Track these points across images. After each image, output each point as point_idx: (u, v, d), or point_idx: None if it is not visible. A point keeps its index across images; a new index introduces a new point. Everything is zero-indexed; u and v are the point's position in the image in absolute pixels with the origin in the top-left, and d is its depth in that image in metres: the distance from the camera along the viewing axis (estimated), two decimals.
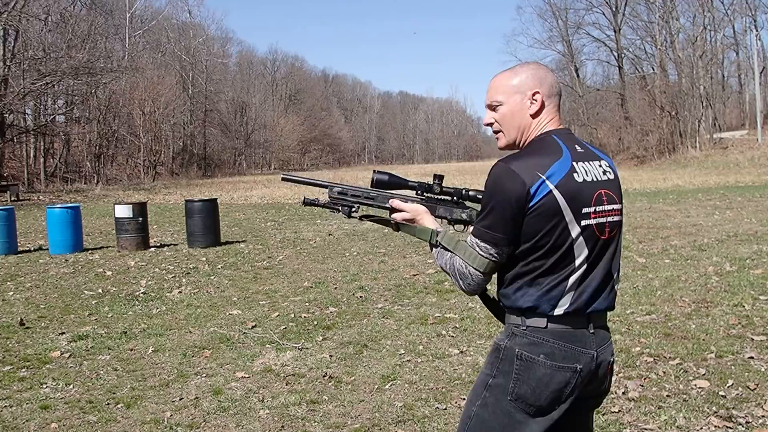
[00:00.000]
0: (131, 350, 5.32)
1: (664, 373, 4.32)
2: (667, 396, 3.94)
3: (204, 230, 11.60)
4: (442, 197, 2.09)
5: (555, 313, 1.79)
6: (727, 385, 4.05)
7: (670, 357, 4.63)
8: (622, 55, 53.86)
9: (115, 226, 11.67)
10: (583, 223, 1.78)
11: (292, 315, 6.31)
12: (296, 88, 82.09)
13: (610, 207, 1.84)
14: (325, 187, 2.12)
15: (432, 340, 5.32)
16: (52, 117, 39.66)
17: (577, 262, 1.79)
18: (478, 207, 2.01)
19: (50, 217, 11.37)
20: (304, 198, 2.15)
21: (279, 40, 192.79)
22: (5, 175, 32.76)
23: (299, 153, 73.58)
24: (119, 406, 4.09)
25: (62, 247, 11.23)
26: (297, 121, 71.60)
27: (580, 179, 1.79)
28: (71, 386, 4.47)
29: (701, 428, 3.49)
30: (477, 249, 1.81)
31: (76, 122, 41.08)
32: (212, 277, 8.53)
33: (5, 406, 4.13)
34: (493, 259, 1.80)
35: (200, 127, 56.81)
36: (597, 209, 1.81)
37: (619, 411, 3.75)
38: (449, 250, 1.88)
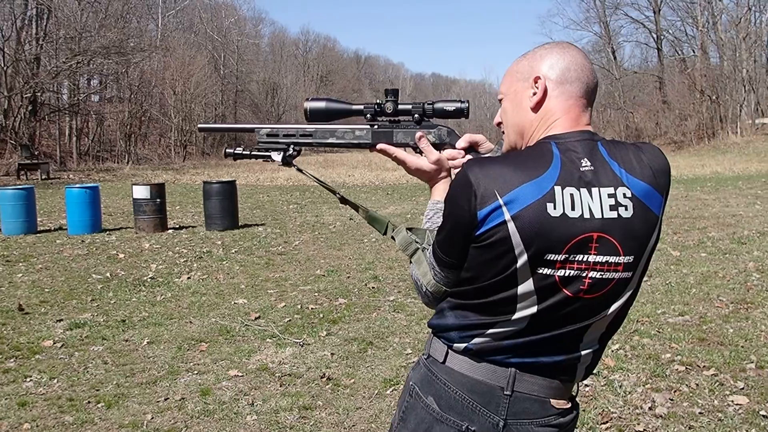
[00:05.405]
0: (126, 341, 5.06)
1: (697, 385, 3.89)
2: (700, 414, 3.51)
3: (222, 213, 11.36)
4: (400, 118, 1.61)
5: (455, 347, 1.36)
6: None
7: (704, 366, 4.18)
8: (662, 37, 52.08)
9: (132, 207, 11.52)
10: (540, 271, 1.25)
11: (299, 306, 5.99)
12: (328, 69, 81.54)
13: (601, 259, 1.26)
14: (251, 131, 1.69)
15: None
16: (84, 96, 39.89)
17: (515, 316, 1.29)
18: (446, 123, 1.60)
19: (69, 197, 11.22)
20: (225, 149, 1.70)
21: (311, 21, 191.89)
22: (36, 153, 33.08)
23: None
24: (99, 405, 3.82)
25: (80, 228, 11.10)
26: None
27: (556, 213, 1.22)
28: (55, 380, 4.22)
29: None
30: (431, 268, 1.41)
31: (108, 102, 41.33)
32: (224, 263, 8.27)
33: None
34: (440, 281, 1.39)
35: (231, 108, 56.80)
36: (573, 258, 1.24)
37: (644, 430, 3.34)
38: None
